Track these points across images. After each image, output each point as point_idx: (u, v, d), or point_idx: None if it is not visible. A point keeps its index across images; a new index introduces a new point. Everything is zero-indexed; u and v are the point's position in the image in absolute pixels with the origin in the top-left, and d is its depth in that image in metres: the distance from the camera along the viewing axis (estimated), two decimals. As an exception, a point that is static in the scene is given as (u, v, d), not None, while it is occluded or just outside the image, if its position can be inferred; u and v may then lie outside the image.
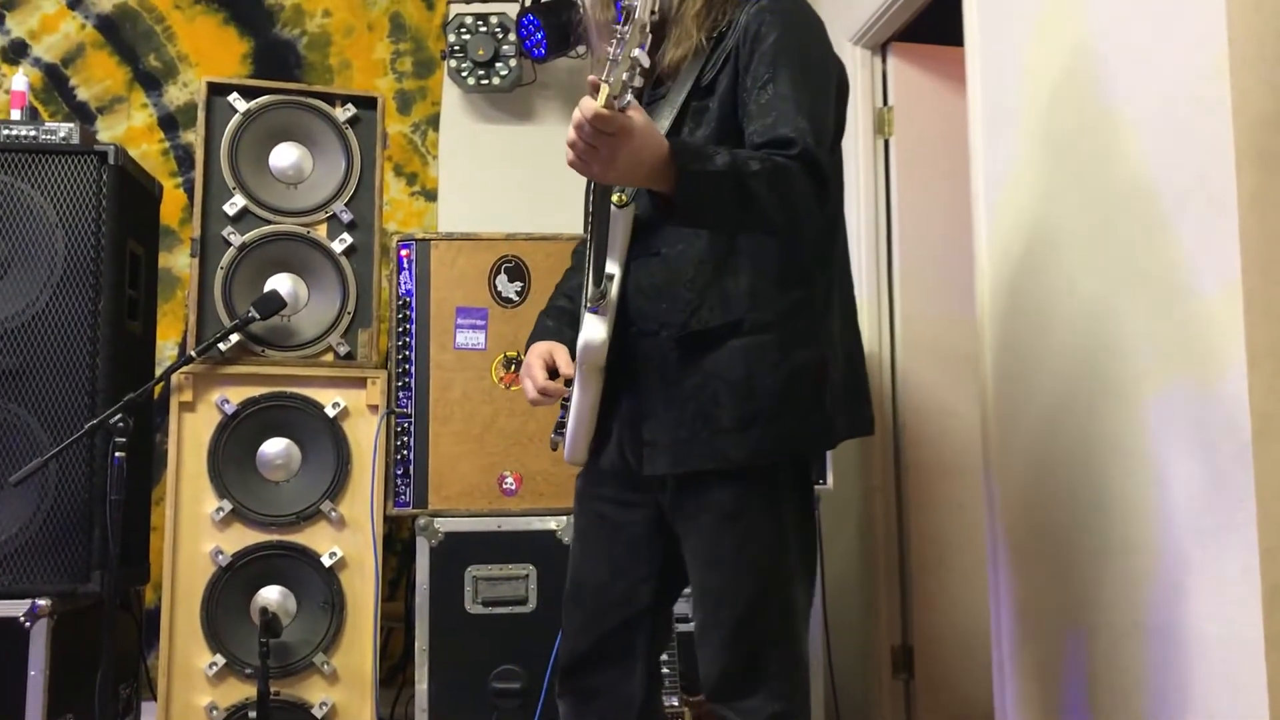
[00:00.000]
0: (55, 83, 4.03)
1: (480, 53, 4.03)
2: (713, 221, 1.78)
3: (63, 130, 2.93)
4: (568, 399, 1.94)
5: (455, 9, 4.13)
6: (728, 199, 1.66)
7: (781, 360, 1.77)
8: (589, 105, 1.53)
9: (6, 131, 2.89)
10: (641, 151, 1.59)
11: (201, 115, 3.03)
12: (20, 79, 3.10)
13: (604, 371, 1.87)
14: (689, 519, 1.83)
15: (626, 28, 1.49)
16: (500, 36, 4.04)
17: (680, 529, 1.86)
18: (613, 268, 1.86)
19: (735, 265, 1.79)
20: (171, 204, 3.72)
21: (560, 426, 1.98)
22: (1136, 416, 2.08)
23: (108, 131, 4.03)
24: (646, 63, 1.50)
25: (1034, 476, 2.53)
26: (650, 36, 1.51)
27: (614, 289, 1.85)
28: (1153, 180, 2.03)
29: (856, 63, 3.69)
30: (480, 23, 4.04)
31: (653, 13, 1.52)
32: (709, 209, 1.70)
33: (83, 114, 4.03)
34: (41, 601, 2.71)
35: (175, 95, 4.10)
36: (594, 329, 1.84)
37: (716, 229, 1.81)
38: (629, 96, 1.54)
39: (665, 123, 1.84)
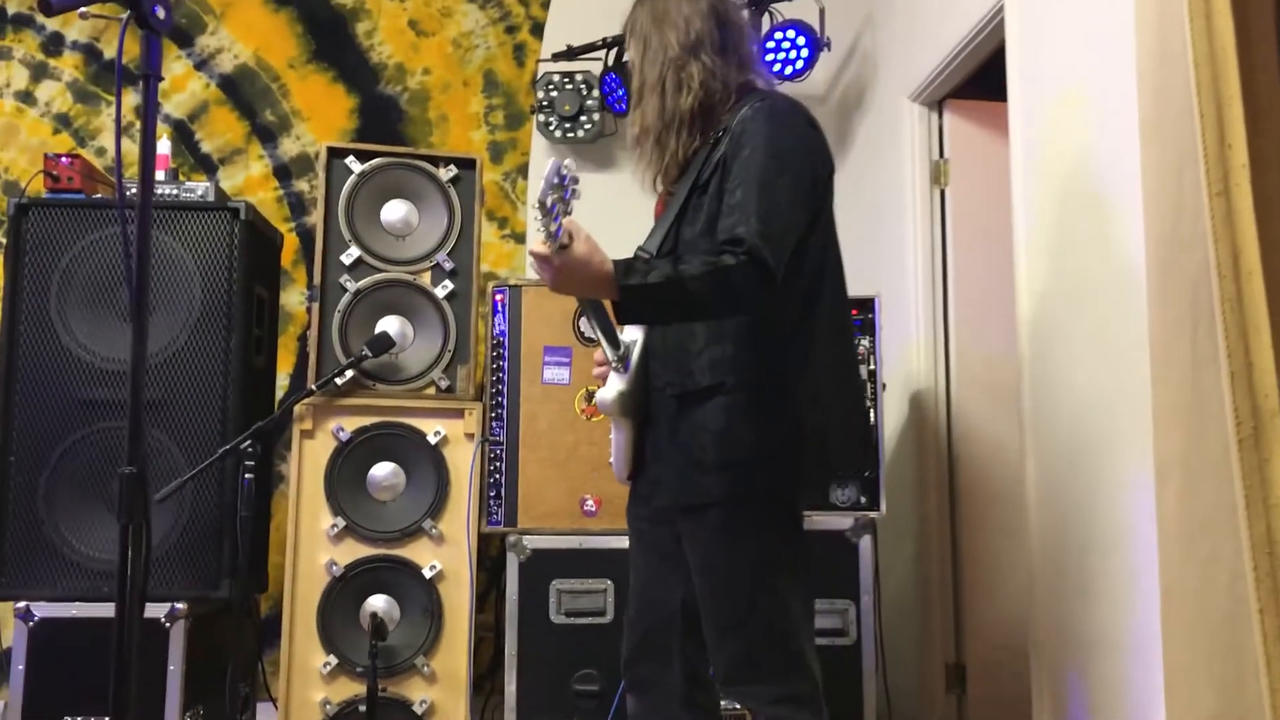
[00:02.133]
0: (182, 136, 4.43)
1: (566, 108, 4.36)
2: (655, 320, 2.18)
3: (200, 189, 3.31)
4: None
5: (544, 67, 4.47)
6: (666, 303, 2.01)
7: (756, 416, 2.09)
8: (533, 245, 1.99)
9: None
10: (575, 277, 1.97)
11: (322, 176, 3.35)
12: (164, 143, 3.48)
13: (628, 417, 2.24)
14: (690, 537, 2.17)
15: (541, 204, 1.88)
16: (585, 93, 4.36)
17: (685, 545, 2.18)
18: (634, 333, 2.24)
19: (722, 335, 2.12)
20: (285, 246, 4.03)
21: None
22: (1131, 455, 2.30)
23: (228, 181, 4.41)
24: (553, 228, 1.90)
25: (1058, 507, 2.73)
26: (561, 204, 1.88)
27: (636, 351, 2.22)
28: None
29: (914, 119, 3.91)
30: (567, 80, 4.36)
31: (562, 194, 1.87)
32: (648, 312, 2.09)
33: (206, 165, 4.43)
34: (180, 605, 3.05)
35: (289, 147, 4.48)
36: (609, 388, 2.23)
37: (663, 324, 2.18)
38: (565, 241, 1.93)
39: (671, 215, 2.21)
